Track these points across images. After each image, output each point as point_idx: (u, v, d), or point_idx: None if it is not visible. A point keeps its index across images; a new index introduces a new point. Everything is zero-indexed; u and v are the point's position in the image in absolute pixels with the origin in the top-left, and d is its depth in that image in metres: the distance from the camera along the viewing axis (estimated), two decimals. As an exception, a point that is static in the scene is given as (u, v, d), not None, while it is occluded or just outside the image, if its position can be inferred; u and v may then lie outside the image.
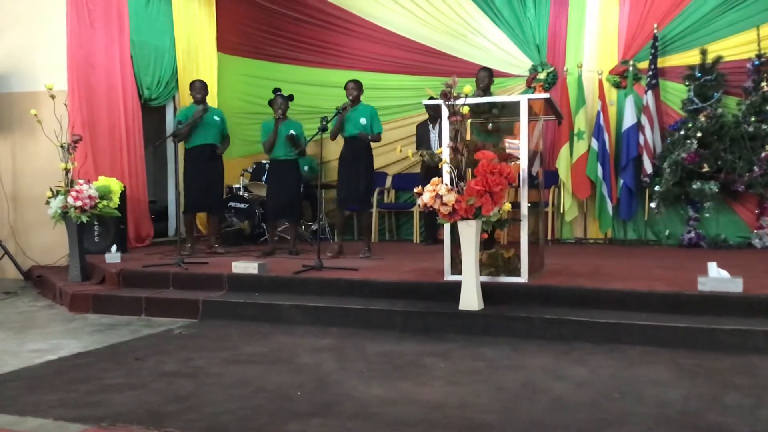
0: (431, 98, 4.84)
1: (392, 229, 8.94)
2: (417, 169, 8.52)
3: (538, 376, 3.31)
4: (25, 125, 7.11)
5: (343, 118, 6.37)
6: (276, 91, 6.94)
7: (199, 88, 6.91)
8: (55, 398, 3.04)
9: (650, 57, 7.59)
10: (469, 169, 4.38)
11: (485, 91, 6.71)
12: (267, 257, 6.40)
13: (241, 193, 8.35)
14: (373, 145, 6.56)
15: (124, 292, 5.42)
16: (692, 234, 7.31)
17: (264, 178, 8.07)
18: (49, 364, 3.71)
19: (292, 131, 6.66)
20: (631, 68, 7.76)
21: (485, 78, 6.75)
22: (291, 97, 6.94)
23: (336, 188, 6.87)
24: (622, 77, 7.88)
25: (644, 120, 7.53)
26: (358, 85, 6.48)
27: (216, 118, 6.91)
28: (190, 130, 6.71)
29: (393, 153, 7.99)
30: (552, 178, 7.87)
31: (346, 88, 6.46)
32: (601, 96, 7.80)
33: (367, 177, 6.47)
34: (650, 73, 7.56)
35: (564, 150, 7.88)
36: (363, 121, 6.38)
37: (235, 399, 3.00)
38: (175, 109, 8.87)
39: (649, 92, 7.54)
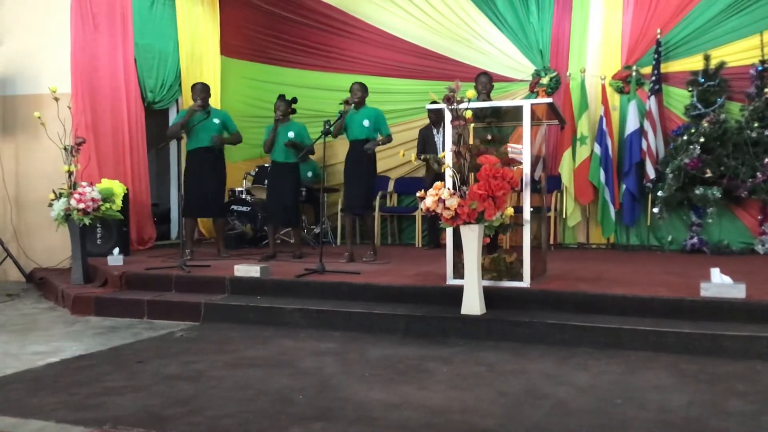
0: (434, 102, 4.84)
1: (394, 233, 8.94)
2: (419, 173, 8.54)
3: (540, 381, 3.31)
4: (28, 128, 7.13)
5: (345, 115, 6.36)
6: (280, 97, 6.95)
7: (197, 91, 6.79)
8: (57, 401, 3.04)
9: (653, 62, 7.59)
10: (472, 174, 4.38)
11: (488, 96, 6.65)
12: (268, 261, 6.39)
13: (243, 197, 8.36)
14: (377, 148, 6.55)
15: (127, 294, 5.43)
16: (695, 239, 7.30)
17: (266, 181, 8.08)
18: (51, 367, 3.71)
19: (290, 136, 6.66)
20: (634, 73, 7.76)
21: (487, 83, 6.69)
22: (294, 100, 6.92)
23: (343, 192, 6.87)
24: (625, 82, 7.88)
25: (647, 125, 7.53)
26: (362, 88, 6.46)
27: (215, 121, 6.74)
28: (180, 130, 6.57)
29: (395, 157, 7.99)
30: (554, 182, 7.87)
31: (351, 90, 6.47)
32: (604, 101, 7.80)
33: (368, 180, 6.46)
34: (653, 78, 7.56)
35: (567, 155, 7.88)
36: (366, 123, 6.37)
37: (236, 402, 3.00)
38: (178, 112, 8.89)
39: (652, 97, 7.54)
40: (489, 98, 6.62)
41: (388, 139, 6.49)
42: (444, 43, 8.60)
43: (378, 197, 8.18)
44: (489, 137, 4.72)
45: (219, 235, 7.19)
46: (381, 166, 6.90)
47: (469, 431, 2.64)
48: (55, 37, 7.23)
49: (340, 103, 6.33)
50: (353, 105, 6.37)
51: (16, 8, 7.40)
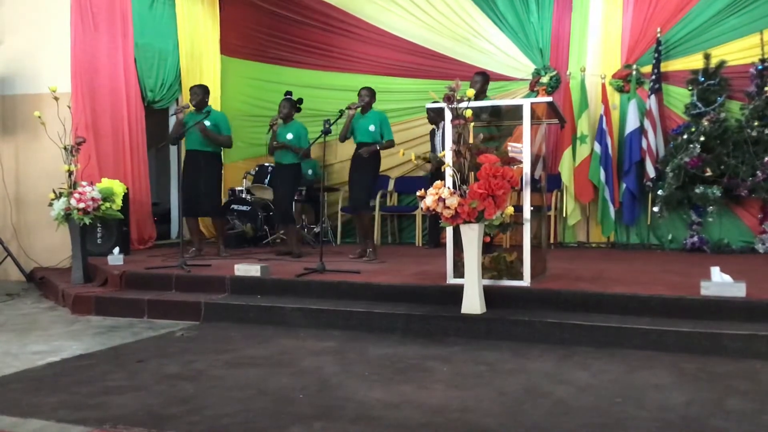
0: (434, 101, 4.84)
1: (395, 233, 8.94)
2: (419, 173, 8.54)
3: (540, 380, 3.31)
4: (28, 127, 7.13)
5: (351, 119, 6.39)
6: (287, 93, 6.94)
7: (194, 93, 6.77)
8: (57, 400, 3.04)
9: (653, 61, 7.59)
10: (472, 173, 4.38)
11: (478, 95, 6.50)
12: (283, 256, 6.59)
13: (243, 196, 8.36)
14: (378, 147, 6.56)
15: (127, 294, 5.43)
16: (695, 238, 7.30)
17: (266, 181, 8.09)
18: (51, 366, 3.71)
19: (289, 137, 6.68)
20: (634, 72, 7.76)
21: (477, 82, 6.58)
22: (300, 101, 6.93)
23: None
24: (625, 81, 7.88)
25: (647, 124, 7.53)
26: (370, 93, 6.51)
27: (206, 123, 6.65)
28: (180, 131, 6.55)
29: (396, 156, 7.99)
30: (555, 181, 7.87)
31: (359, 94, 6.51)
32: (604, 100, 7.81)
33: (367, 181, 6.48)
34: (653, 77, 7.56)
35: (567, 154, 7.88)
36: (372, 128, 6.42)
37: (236, 402, 3.00)
38: (177, 111, 8.90)
39: (652, 96, 7.54)
40: (480, 97, 6.46)
41: (390, 143, 6.52)
42: (444, 43, 8.60)
43: (378, 196, 8.19)
44: (481, 136, 4.71)
45: (218, 234, 7.20)
46: (381, 165, 6.89)
47: (469, 430, 2.64)
48: (55, 36, 7.23)
49: (341, 110, 6.34)
50: (360, 109, 6.40)
51: (16, 8, 7.40)
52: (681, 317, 4.08)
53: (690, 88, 7.44)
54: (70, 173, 5.97)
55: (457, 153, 4.31)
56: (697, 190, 7.10)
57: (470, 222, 4.22)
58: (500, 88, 8.16)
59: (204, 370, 3.56)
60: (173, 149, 8.87)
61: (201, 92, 6.79)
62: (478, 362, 3.65)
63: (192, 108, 6.69)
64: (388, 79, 8.69)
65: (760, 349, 3.67)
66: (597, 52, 8.03)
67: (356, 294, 4.92)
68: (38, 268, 7.17)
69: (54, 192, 6.05)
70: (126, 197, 6.69)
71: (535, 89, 8.21)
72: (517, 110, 4.80)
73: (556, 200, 7.96)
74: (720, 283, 4.18)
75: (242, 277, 5.29)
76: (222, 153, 7.05)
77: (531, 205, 4.64)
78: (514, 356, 3.77)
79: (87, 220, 5.89)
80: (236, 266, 5.40)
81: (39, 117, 5.85)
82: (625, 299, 4.30)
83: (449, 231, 4.72)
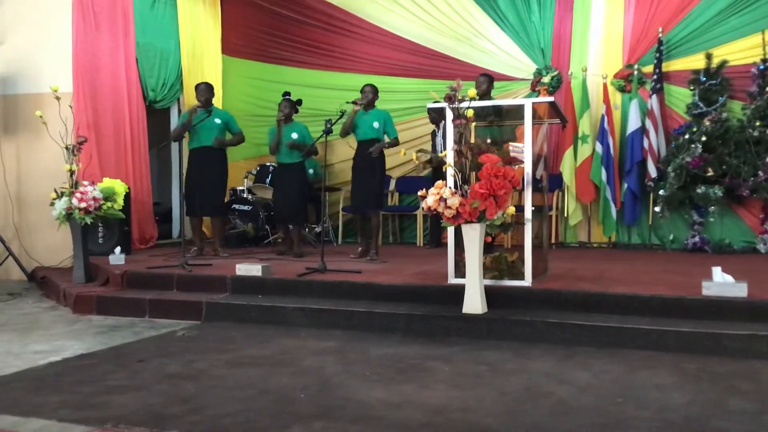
0: (435, 101, 4.84)
1: (396, 232, 8.95)
2: (421, 173, 8.53)
3: (541, 380, 3.31)
4: (30, 127, 7.14)
5: (354, 114, 6.38)
6: (285, 94, 6.94)
7: (201, 91, 6.81)
8: (58, 400, 3.05)
9: (655, 61, 7.58)
10: (473, 172, 4.38)
11: (483, 96, 6.58)
12: (282, 256, 6.58)
13: (245, 196, 8.36)
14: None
15: (128, 293, 5.43)
16: (696, 238, 7.29)
17: (268, 180, 8.09)
18: (52, 366, 3.71)
19: (294, 137, 6.68)
20: (635, 72, 7.75)
21: (483, 83, 6.64)
22: (299, 102, 6.94)
23: (351, 192, 6.89)
24: (626, 81, 7.87)
25: (649, 124, 7.52)
26: (373, 90, 6.52)
27: (217, 120, 6.75)
28: (182, 131, 6.62)
29: (397, 156, 7.99)
30: (556, 181, 7.87)
31: (362, 90, 6.50)
32: (606, 100, 7.80)
33: (377, 181, 6.47)
34: (655, 77, 7.55)
35: (568, 154, 7.88)
36: (375, 125, 6.41)
37: (237, 401, 3.00)
38: (179, 111, 8.91)
39: (654, 96, 7.54)
40: (485, 98, 6.51)
41: (395, 141, 6.51)
42: (446, 42, 8.60)
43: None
44: (489, 140, 4.73)
45: (216, 234, 7.19)
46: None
47: (470, 430, 2.64)
48: (56, 36, 7.23)
49: (348, 102, 6.35)
50: (362, 106, 6.39)
51: (18, 7, 7.41)
52: (682, 317, 4.08)
53: (692, 87, 7.44)
54: (72, 173, 5.97)
55: (458, 153, 4.31)
56: (698, 190, 7.10)
57: (472, 222, 4.22)
58: (502, 88, 8.15)
59: (205, 369, 3.57)
60: (174, 149, 8.87)
61: (207, 90, 6.86)
62: (479, 362, 3.65)
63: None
64: (389, 78, 8.69)
65: (761, 349, 3.67)
66: (598, 51, 8.03)
67: (357, 294, 4.92)
68: (40, 268, 7.17)
69: (55, 191, 6.06)
70: (127, 197, 6.68)
71: (537, 89, 8.20)
72: (518, 110, 4.80)
73: (557, 200, 7.96)
74: (721, 283, 4.18)
75: (243, 277, 5.29)
76: (227, 150, 7.06)
77: (532, 205, 4.64)
78: (515, 356, 3.77)
79: (88, 220, 5.89)
80: (237, 266, 5.40)
81: (40, 116, 5.86)
82: (626, 299, 4.30)
83: (450, 231, 4.72)
